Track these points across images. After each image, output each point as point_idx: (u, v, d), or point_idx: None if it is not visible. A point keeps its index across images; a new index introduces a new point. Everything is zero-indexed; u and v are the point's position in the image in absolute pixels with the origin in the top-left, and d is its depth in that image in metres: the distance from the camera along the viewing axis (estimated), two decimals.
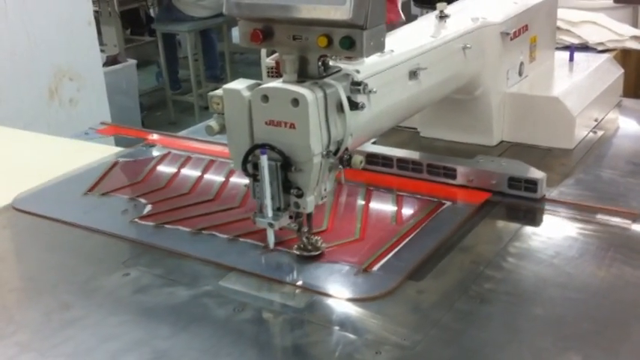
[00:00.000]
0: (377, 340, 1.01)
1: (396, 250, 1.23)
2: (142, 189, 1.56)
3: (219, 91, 1.17)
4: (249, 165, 1.14)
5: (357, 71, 1.15)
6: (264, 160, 1.10)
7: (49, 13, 3.40)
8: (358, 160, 1.15)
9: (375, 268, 1.18)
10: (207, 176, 1.61)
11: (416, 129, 1.77)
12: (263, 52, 1.83)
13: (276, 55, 1.72)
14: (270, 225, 1.15)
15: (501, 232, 1.33)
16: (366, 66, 1.18)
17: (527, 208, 1.38)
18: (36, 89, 3.40)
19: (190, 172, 1.64)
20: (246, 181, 1.19)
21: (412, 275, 1.16)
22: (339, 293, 1.13)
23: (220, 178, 1.58)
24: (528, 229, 1.32)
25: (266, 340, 1.07)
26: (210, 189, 1.53)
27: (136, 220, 1.40)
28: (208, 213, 1.41)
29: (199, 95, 5.44)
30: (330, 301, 1.12)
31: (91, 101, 3.65)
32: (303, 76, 1.12)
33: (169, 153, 1.76)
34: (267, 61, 1.82)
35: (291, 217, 1.18)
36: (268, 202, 1.12)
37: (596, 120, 1.78)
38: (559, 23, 2.67)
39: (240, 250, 1.26)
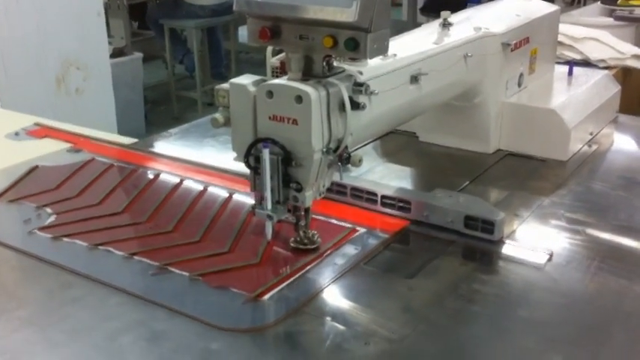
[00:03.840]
0: (366, 332, 1.05)
1: (293, 278, 1.18)
2: (52, 197, 1.49)
3: (225, 85, 1.20)
4: (251, 158, 1.17)
5: (360, 73, 1.19)
6: (265, 154, 1.13)
7: (59, 2, 3.45)
8: (357, 158, 1.18)
9: (266, 297, 1.13)
10: (124, 187, 1.54)
11: (415, 133, 1.81)
12: (268, 51, 1.86)
13: (281, 55, 1.76)
14: (269, 217, 1.18)
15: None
16: (369, 68, 1.22)
17: (483, 250, 1.30)
18: (44, 77, 3.45)
19: (106, 182, 1.55)
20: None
21: (299, 309, 1.10)
22: (218, 323, 1.06)
23: (135, 191, 1.51)
24: (519, 234, 1.36)
25: None
26: (121, 201, 1.46)
27: (35, 230, 1.34)
28: (111, 227, 1.35)
29: (204, 92, 5.48)
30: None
31: (96, 91, 3.70)
32: (307, 74, 1.15)
33: (93, 160, 1.69)
34: (272, 61, 1.86)
35: (289, 211, 1.22)
36: (268, 194, 1.16)
37: (591, 134, 1.82)
38: (562, 38, 2.72)
39: (132, 271, 1.21)
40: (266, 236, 1.23)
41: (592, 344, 1.04)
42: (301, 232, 1.26)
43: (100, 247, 1.27)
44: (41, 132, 1.92)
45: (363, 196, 1.42)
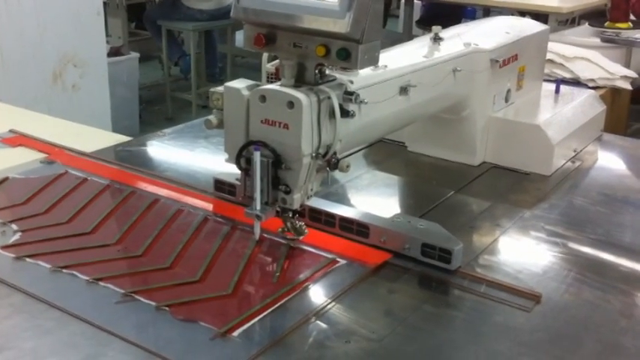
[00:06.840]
0: (347, 331, 1.09)
1: (266, 312, 1.12)
2: (19, 213, 1.42)
3: (220, 88, 1.24)
4: (242, 159, 1.21)
5: (351, 82, 1.23)
6: (257, 156, 1.17)
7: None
8: (345, 164, 1.22)
9: (236, 333, 1.06)
10: (94, 204, 1.47)
11: (403, 143, 1.85)
12: (264, 57, 1.90)
13: (276, 61, 1.80)
14: (258, 217, 1.22)
15: (475, 246, 1.41)
16: (360, 78, 1.26)
17: (438, 279, 1.26)
18: (41, 72, 3.49)
19: (77, 198, 1.49)
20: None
21: (276, 344, 1.05)
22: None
23: (107, 209, 1.44)
24: (501, 244, 1.40)
25: None
26: (91, 220, 1.39)
27: None
28: (78, 248, 1.29)
29: (198, 94, 5.52)
30: None
31: (92, 89, 3.74)
32: (300, 81, 1.19)
33: (66, 172, 1.62)
34: (268, 67, 1.89)
35: (277, 212, 1.26)
36: (257, 195, 1.20)
37: (575, 150, 1.87)
38: (553, 57, 2.78)
39: (95, 298, 1.15)
40: (254, 236, 1.28)
41: (561, 351, 1.08)
42: (288, 224, 1.30)
43: (64, 271, 1.21)
44: (16, 140, 1.85)
45: (322, 218, 1.38)
